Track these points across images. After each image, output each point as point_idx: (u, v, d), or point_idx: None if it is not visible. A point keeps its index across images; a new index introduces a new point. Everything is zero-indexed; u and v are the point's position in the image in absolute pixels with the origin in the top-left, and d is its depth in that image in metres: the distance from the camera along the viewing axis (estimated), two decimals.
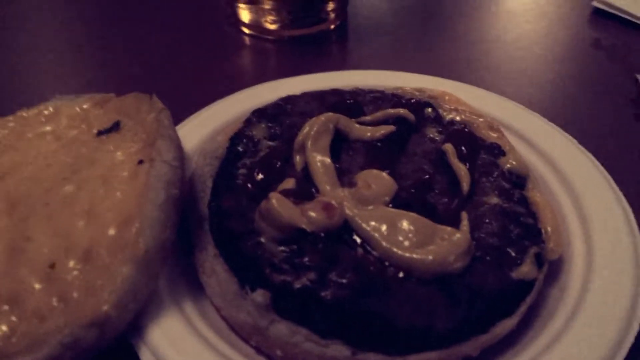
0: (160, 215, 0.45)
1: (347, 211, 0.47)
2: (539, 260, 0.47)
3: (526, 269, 0.46)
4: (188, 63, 0.88)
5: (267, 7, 0.91)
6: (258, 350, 0.46)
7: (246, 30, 0.95)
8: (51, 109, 0.62)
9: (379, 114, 0.60)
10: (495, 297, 0.44)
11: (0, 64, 0.90)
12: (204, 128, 0.65)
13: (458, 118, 0.61)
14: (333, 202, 0.47)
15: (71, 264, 0.44)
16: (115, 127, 0.58)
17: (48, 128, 0.60)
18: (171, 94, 0.62)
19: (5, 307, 0.43)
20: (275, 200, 0.46)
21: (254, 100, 0.68)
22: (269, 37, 0.93)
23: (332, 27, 0.96)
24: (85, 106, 0.62)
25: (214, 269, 0.47)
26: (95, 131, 0.58)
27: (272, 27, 0.93)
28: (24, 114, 0.62)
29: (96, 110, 0.61)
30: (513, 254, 0.47)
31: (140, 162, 0.51)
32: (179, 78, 0.85)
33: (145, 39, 0.95)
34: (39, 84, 0.86)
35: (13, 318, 0.42)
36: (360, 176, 0.51)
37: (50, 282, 0.44)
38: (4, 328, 0.41)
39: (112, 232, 0.45)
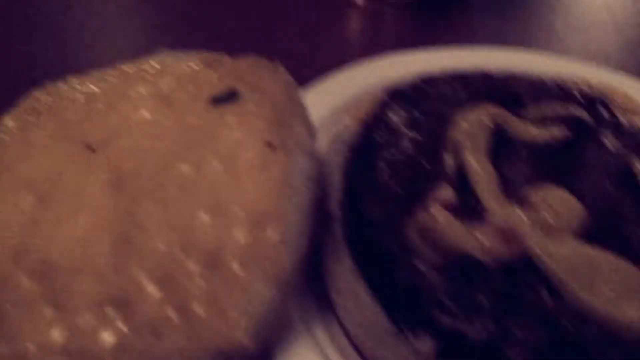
0: (302, 219, 0.37)
1: (531, 243, 0.37)
2: None
3: None
4: (293, 27, 0.77)
5: None
6: None
7: None
8: (157, 66, 0.54)
9: (548, 110, 0.49)
10: None
11: (70, 19, 0.81)
12: (321, 105, 0.56)
13: None
14: (512, 227, 0.38)
15: (191, 267, 0.36)
16: (233, 96, 0.49)
17: (153, 89, 0.52)
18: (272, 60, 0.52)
19: (112, 311, 0.36)
20: (443, 218, 0.37)
21: (376, 75, 0.58)
22: (388, 0, 0.82)
23: None
24: (195, 66, 0.53)
25: (354, 291, 0.39)
26: (206, 97, 0.50)
27: None
28: (126, 69, 0.54)
29: (207, 72, 0.53)
30: None
31: (269, 145, 0.42)
32: (282, 43, 0.74)
33: None
34: (112, 37, 0.77)
35: (123, 328, 0.35)
36: (538, 195, 0.41)
37: (165, 285, 0.36)
38: (112, 339, 0.34)
39: (243, 234, 0.37)
